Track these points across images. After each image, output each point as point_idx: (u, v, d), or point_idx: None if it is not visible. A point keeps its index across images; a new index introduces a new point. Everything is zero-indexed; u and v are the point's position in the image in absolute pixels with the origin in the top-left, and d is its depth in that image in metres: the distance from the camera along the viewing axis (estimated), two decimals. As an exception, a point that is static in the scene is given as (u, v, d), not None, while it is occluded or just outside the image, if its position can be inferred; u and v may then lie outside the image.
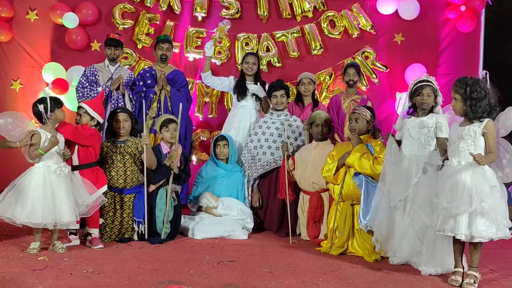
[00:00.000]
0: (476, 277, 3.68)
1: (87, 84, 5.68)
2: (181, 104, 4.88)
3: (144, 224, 4.72)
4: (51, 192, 4.17)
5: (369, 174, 4.44)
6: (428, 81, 4.16)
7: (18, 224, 4.14)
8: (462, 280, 3.67)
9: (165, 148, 5.03)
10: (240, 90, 5.88)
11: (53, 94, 6.00)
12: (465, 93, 3.71)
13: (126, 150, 4.80)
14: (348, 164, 4.53)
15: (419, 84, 4.14)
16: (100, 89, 5.56)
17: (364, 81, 6.68)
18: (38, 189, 4.15)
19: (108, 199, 4.68)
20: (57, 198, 4.18)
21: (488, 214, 3.58)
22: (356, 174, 4.51)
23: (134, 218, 4.76)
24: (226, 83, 6.07)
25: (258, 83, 5.88)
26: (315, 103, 5.83)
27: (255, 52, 6.48)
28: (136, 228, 4.75)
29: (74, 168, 4.53)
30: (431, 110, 4.16)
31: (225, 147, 5.51)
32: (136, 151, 4.81)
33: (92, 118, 4.64)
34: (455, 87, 3.79)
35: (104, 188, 4.59)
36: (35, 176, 4.20)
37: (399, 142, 4.28)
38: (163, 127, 5.04)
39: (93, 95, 5.55)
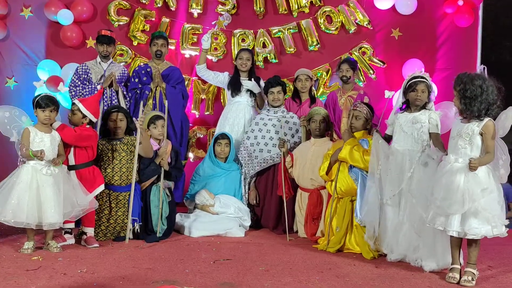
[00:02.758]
0: (474, 273, 3.65)
1: (79, 83, 5.61)
2: (166, 101, 4.88)
3: (140, 222, 4.67)
4: (36, 192, 4.11)
5: (361, 166, 4.42)
6: (422, 77, 4.13)
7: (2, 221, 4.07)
8: (460, 277, 3.65)
9: (154, 145, 4.93)
10: (235, 86, 5.85)
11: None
12: (460, 90, 3.68)
13: (121, 148, 4.77)
14: (340, 158, 4.52)
15: (414, 80, 4.12)
16: (99, 87, 5.49)
17: (361, 77, 6.63)
18: (24, 187, 4.09)
19: (103, 197, 4.66)
20: (42, 198, 4.11)
21: (480, 213, 3.56)
22: (351, 168, 4.49)
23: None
24: (221, 78, 6.03)
25: (253, 79, 5.84)
26: (313, 100, 5.80)
27: (249, 48, 6.43)
28: (131, 227, 4.71)
29: (70, 168, 4.49)
30: (423, 106, 4.14)
31: (227, 146, 5.45)
32: (132, 147, 4.77)
33: (84, 116, 4.60)
34: (454, 84, 3.76)
35: (101, 188, 4.56)
36: (22, 174, 4.14)
37: (390, 137, 4.28)
38: (151, 124, 4.95)
39: (85, 93, 5.49)
